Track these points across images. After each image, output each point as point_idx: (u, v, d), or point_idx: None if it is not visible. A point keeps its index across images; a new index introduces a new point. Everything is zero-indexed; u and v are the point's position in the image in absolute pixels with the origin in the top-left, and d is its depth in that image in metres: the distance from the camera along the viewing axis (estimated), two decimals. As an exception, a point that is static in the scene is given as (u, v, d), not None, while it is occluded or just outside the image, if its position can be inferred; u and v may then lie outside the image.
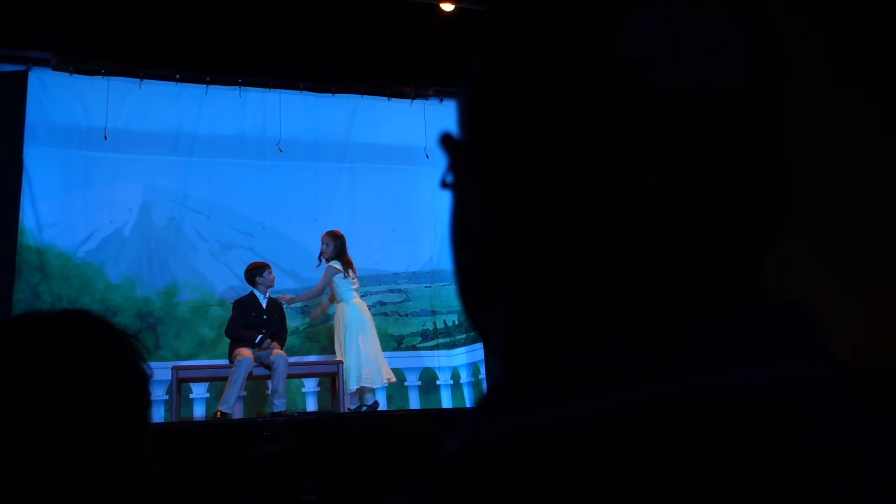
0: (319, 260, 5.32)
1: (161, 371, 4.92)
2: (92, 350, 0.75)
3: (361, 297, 5.48)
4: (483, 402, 0.32)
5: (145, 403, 0.79)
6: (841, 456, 0.27)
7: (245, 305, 5.02)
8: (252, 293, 5.07)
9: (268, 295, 5.09)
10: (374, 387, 5.26)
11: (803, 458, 0.27)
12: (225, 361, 4.98)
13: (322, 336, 6.08)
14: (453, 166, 0.37)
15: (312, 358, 5.75)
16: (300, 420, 4.38)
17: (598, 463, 0.27)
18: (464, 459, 0.30)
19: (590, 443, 0.28)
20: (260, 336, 4.86)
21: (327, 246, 5.24)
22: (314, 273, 5.76)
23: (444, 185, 0.38)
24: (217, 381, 5.17)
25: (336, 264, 5.18)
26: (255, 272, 5.10)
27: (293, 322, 5.68)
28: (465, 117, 0.37)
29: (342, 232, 5.36)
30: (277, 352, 4.86)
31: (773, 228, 0.34)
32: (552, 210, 0.32)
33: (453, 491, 0.29)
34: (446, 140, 0.37)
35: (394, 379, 5.42)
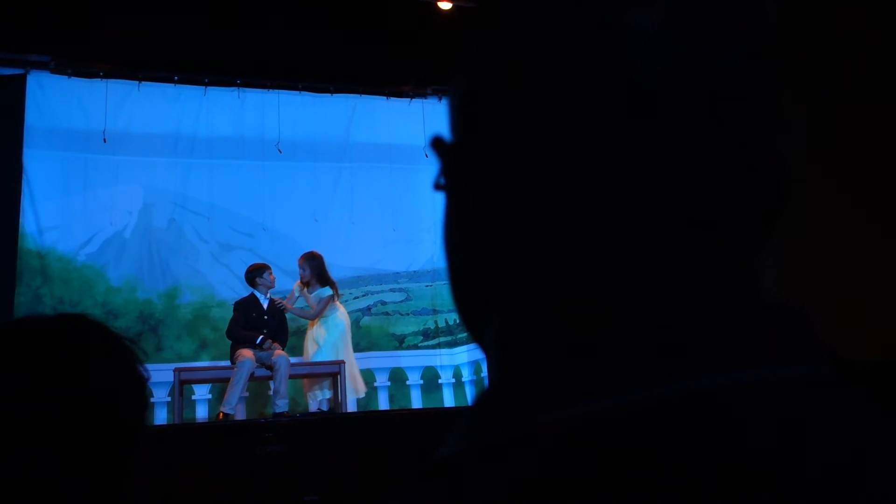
0: (302, 284, 5.16)
1: (163, 373, 4.93)
2: (89, 353, 0.76)
3: (362, 296, 5.47)
4: (479, 405, 0.32)
5: (143, 405, 0.79)
6: (838, 456, 0.27)
7: (246, 306, 5.02)
8: (253, 294, 5.07)
9: (269, 296, 5.09)
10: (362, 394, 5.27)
11: (800, 459, 0.27)
12: (227, 363, 4.98)
13: (324, 336, 6.10)
14: (445, 168, 0.37)
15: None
16: (302, 421, 4.39)
17: (596, 465, 0.27)
18: (461, 462, 0.30)
19: (587, 445, 0.27)
20: (261, 337, 4.86)
21: (304, 270, 5.12)
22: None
23: (437, 187, 0.38)
24: (219, 383, 5.18)
25: (329, 292, 5.11)
26: (255, 273, 5.09)
27: (294, 323, 5.69)
28: (456, 119, 0.37)
29: (320, 252, 5.25)
30: (279, 352, 4.87)
31: (766, 228, 0.34)
32: (545, 211, 0.32)
33: (451, 494, 0.29)
34: (437, 142, 0.37)
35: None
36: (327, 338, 5.11)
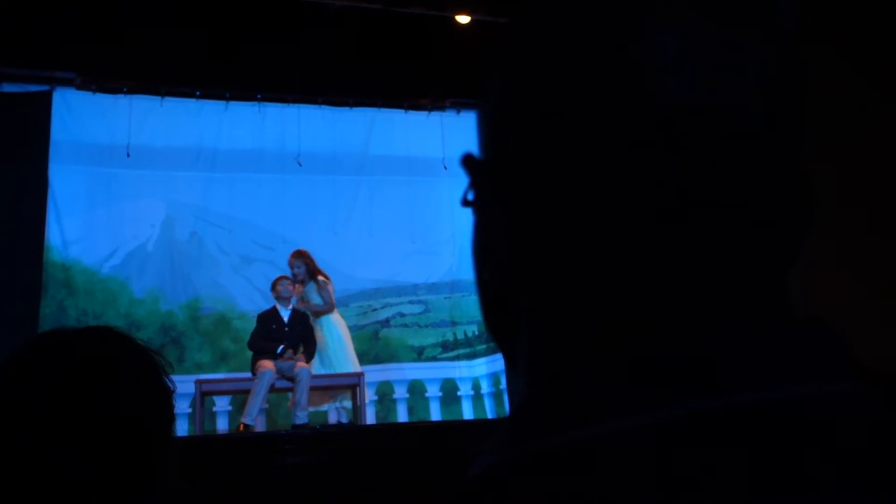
0: (294, 285, 5.21)
1: (185, 384, 4.97)
2: (116, 365, 0.77)
3: (381, 308, 5.48)
4: (507, 424, 0.32)
5: (169, 417, 0.80)
6: (886, 471, 0.27)
7: (266, 318, 5.08)
8: (275, 306, 5.13)
9: (291, 307, 5.13)
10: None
11: (845, 474, 0.26)
12: (248, 374, 5.01)
13: (343, 348, 6.11)
14: (475, 185, 0.37)
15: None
16: (322, 433, 4.39)
17: (635, 481, 0.27)
18: (488, 484, 0.30)
19: (619, 464, 0.27)
20: (281, 347, 4.90)
21: (298, 268, 5.19)
22: (334, 285, 5.79)
23: (465, 203, 0.38)
24: (240, 394, 5.20)
25: (330, 286, 5.16)
26: (272, 286, 5.16)
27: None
28: (486, 136, 0.37)
29: (307, 250, 5.32)
30: (301, 364, 4.88)
31: (797, 243, 0.34)
32: (576, 228, 0.32)
33: None
34: (468, 159, 0.37)
35: None
36: (328, 347, 5.13)
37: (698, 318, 0.31)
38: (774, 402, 0.28)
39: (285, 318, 5.08)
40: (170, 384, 0.80)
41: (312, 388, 4.91)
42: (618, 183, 0.31)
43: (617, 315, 0.32)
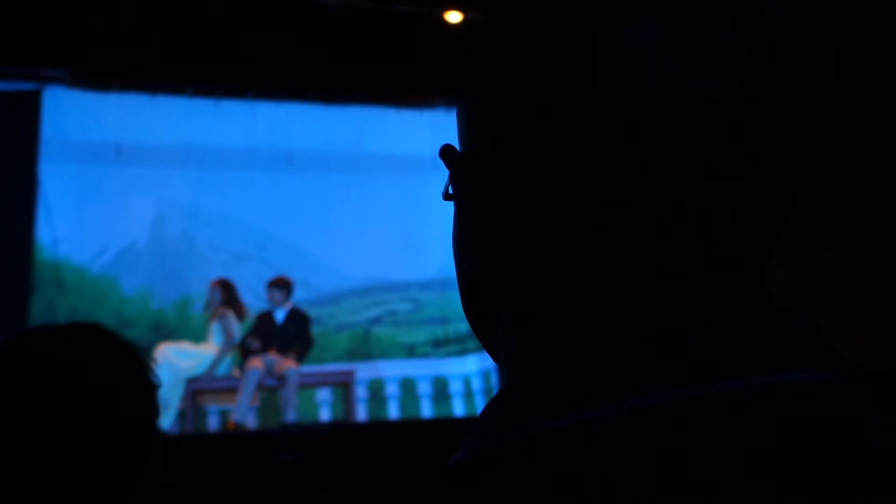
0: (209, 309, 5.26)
1: (175, 383, 4.95)
2: (102, 362, 0.77)
3: (372, 305, 5.49)
4: (485, 414, 0.32)
5: (154, 413, 0.80)
6: (873, 458, 0.27)
7: (261, 318, 5.14)
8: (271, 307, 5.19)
9: (288, 308, 5.13)
10: None
11: (834, 461, 0.27)
12: (240, 374, 5.01)
13: (335, 345, 6.09)
14: (454, 178, 0.37)
15: (324, 368, 5.76)
16: (313, 430, 4.39)
17: (599, 474, 0.27)
18: (464, 472, 0.30)
19: (595, 453, 0.28)
20: (256, 344, 4.96)
21: (214, 295, 5.23)
22: (325, 283, 5.78)
23: (445, 196, 0.38)
24: (231, 393, 5.19)
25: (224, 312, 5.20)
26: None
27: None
28: (464, 129, 0.37)
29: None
30: (289, 364, 4.90)
31: (777, 234, 0.34)
32: (555, 220, 0.33)
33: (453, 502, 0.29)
34: (446, 151, 0.37)
35: None
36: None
37: (675, 308, 0.31)
38: (740, 391, 0.28)
39: (278, 319, 5.10)
40: (155, 380, 0.80)
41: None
42: (596, 174, 0.32)
43: (594, 306, 0.32)
